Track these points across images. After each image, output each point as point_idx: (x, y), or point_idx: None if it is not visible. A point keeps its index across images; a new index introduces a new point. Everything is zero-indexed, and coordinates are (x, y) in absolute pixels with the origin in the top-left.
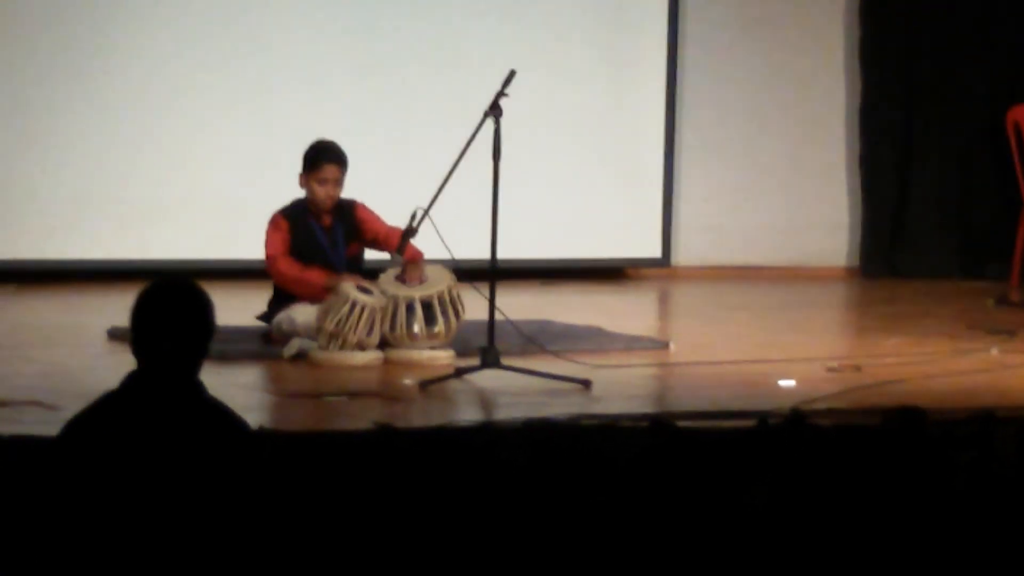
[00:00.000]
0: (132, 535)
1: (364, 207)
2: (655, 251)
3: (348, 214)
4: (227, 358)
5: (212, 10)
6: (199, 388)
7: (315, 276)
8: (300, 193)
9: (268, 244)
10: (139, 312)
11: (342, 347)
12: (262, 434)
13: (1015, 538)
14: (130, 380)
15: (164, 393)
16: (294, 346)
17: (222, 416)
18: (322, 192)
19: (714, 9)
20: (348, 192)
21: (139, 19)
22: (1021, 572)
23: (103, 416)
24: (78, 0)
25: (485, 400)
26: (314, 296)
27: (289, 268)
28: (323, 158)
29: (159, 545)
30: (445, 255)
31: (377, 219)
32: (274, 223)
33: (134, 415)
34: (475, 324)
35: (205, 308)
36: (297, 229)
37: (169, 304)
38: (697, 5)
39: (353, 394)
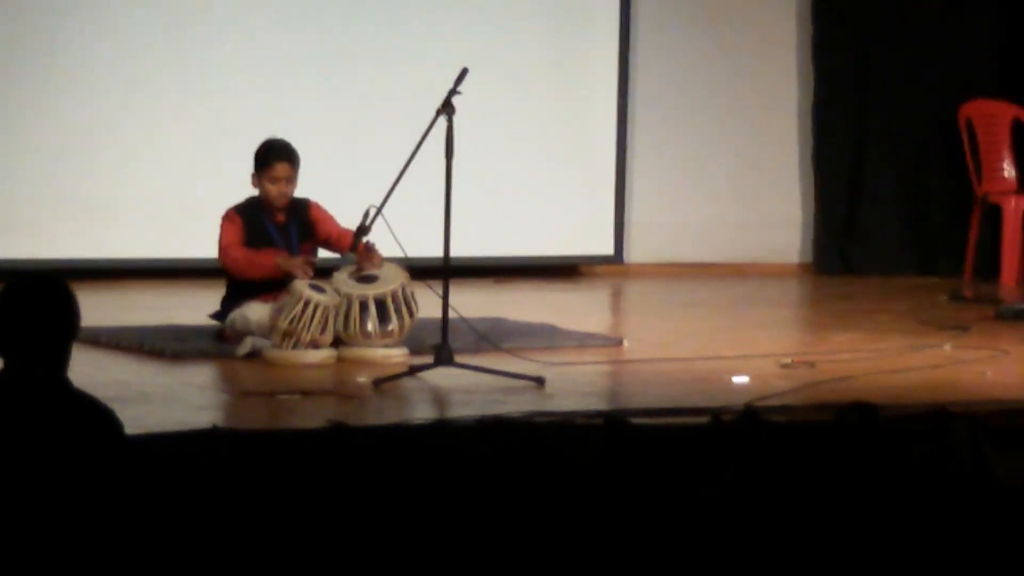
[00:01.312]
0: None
1: (318, 207)
2: (608, 248)
3: (302, 213)
4: (181, 357)
5: (165, 9)
6: (65, 383)
7: (267, 256)
8: (254, 192)
9: (222, 235)
10: (2, 309)
11: (296, 345)
12: (129, 437)
13: (968, 532)
14: None
15: (30, 389)
16: (247, 344)
17: (90, 410)
18: (274, 190)
19: (666, 7)
20: (301, 190)
21: (91, 18)
22: (975, 565)
23: None
24: (27, 1)
25: (439, 398)
26: (269, 274)
27: (242, 253)
28: (274, 156)
29: (30, 542)
30: (398, 253)
31: (331, 219)
32: (228, 217)
33: (2, 412)
34: (429, 322)
35: (68, 304)
36: (251, 225)
37: (33, 300)
38: (649, 4)
39: (307, 392)
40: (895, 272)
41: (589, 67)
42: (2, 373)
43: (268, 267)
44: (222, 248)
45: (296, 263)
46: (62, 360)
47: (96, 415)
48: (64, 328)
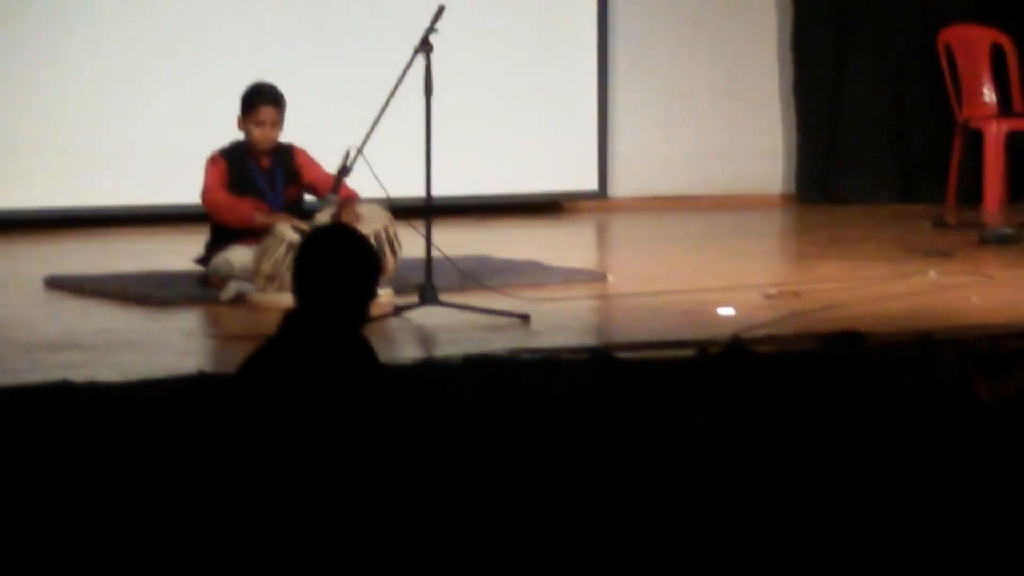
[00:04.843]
0: (302, 467)
1: (303, 152)
2: (592, 184)
3: (287, 157)
4: (166, 303)
5: None
6: (354, 328)
7: (247, 205)
8: (240, 137)
9: (205, 178)
10: (303, 257)
11: (279, 289)
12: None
13: (954, 459)
14: (289, 323)
15: (323, 333)
16: (232, 289)
17: (364, 355)
18: (259, 133)
19: None
20: (284, 133)
21: None
22: (964, 489)
23: (267, 356)
24: None
25: (425, 337)
26: (246, 225)
27: (224, 197)
28: (259, 100)
29: (325, 475)
30: (380, 194)
31: (316, 165)
32: (212, 160)
33: (296, 354)
34: (412, 262)
35: (365, 254)
36: (235, 169)
37: (331, 249)
38: None
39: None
40: (878, 200)
41: (568, 1)
42: (294, 315)
43: (245, 218)
44: (204, 189)
45: (275, 221)
46: (356, 310)
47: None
48: (361, 277)
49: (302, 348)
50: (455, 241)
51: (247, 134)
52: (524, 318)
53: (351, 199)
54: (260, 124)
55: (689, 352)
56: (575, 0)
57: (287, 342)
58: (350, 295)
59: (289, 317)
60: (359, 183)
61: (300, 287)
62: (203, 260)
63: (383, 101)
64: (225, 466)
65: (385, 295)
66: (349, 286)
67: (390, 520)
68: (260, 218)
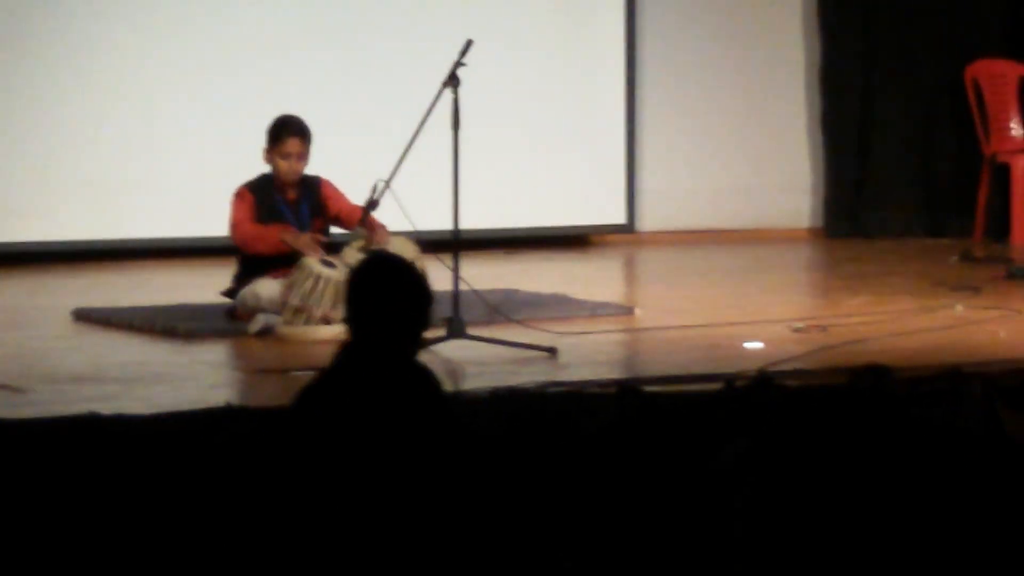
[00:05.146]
0: (360, 494)
1: (329, 184)
2: (619, 217)
3: (313, 190)
4: (194, 336)
5: None
6: (410, 357)
7: (273, 231)
8: (266, 170)
9: (233, 212)
10: (356, 288)
11: (307, 321)
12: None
13: (981, 493)
14: (344, 354)
15: (381, 362)
16: (259, 321)
17: (425, 384)
18: (285, 165)
19: None
20: (312, 165)
21: (105, 1)
22: (988, 527)
23: (324, 387)
24: None
25: (452, 370)
26: (274, 251)
27: (250, 228)
28: (285, 132)
29: (382, 503)
30: (408, 227)
31: (342, 196)
32: (239, 195)
33: (353, 385)
34: (440, 295)
35: (418, 283)
36: (262, 202)
37: (383, 279)
38: None
39: (320, 368)
40: (906, 234)
41: (596, 35)
42: (350, 347)
43: (273, 242)
44: (232, 224)
45: (303, 240)
46: (412, 337)
47: (431, 385)
48: (414, 307)
49: (361, 378)
50: (482, 274)
51: (273, 166)
52: (551, 351)
53: (379, 232)
54: (286, 156)
55: (716, 386)
56: (603, 35)
57: (345, 373)
58: (405, 324)
59: (344, 348)
60: (387, 216)
61: (354, 317)
62: (231, 293)
63: (411, 134)
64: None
65: None
66: (404, 315)
67: (441, 552)
68: (289, 239)
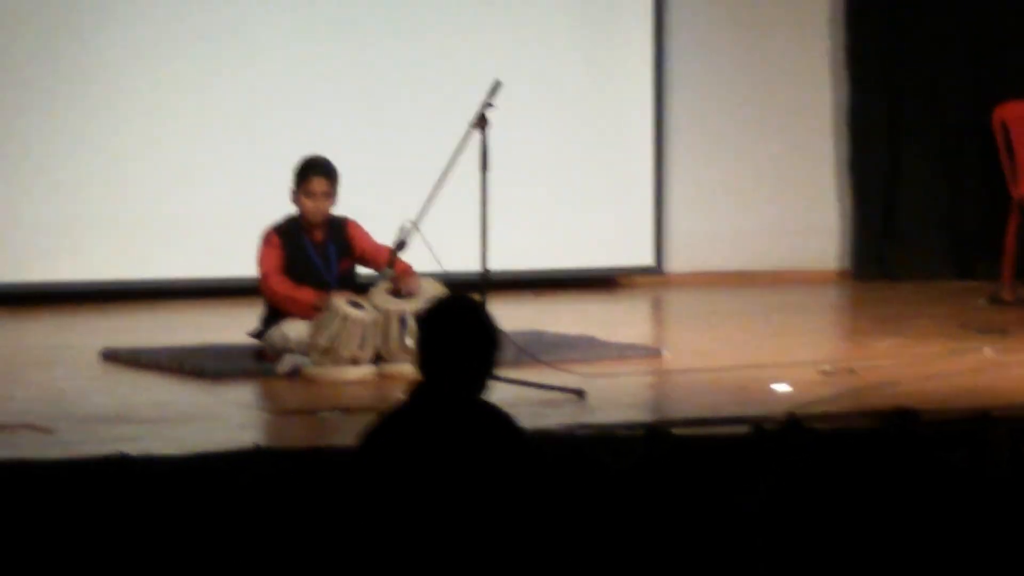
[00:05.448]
0: (429, 537)
1: (356, 224)
2: (647, 259)
3: (340, 230)
4: (221, 376)
5: (202, 29)
6: (482, 399)
7: (306, 295)
8: (294, 211)
9: (262, 261)
10: (428, 330)
11: (335, 362)
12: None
13: (1010, 537)
14: (416, 394)
15: (451, 404)
16: (287, 362)
17: (504, 423)
18: (311, 205)
19: (700, 17)
20: (339, 207)
21: (129, 40)
22: (1016, 571)
23: (394, 428)
24: (67, 22)
25: None
26: (303, 315)
27: (281, 286)
28: (311, 171)
29: (455, 546)
30: (436, 268)
31: (368, 236)
32: (267, 239)
33: (424, 427)
34: None
35: (489, 325)
36: (290, 245)
37: (455, 322)
38: (683, 14)
39: (347, 409)
40: (933, 277)
41: (624, 77)
42: (423, 388)
43: (305, 307)
44: (262, 276)
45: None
46: (482, 379)
47: (506, 429)
48: (485, 349)
49: (436, 418)
50: (510, 315)
51: (300, 206)
52: (579, 393)
53: (407, 273)
54: (312, 195)
55: (745, 428)
56: (631, 75)
57: (417, 413)
58: (477, 365)
59: (417, 388)
60: (415, 257)
61: (426, 359)
62: (258, 334)
63: (438, 175)
64: (338, 537)
65: None
66: (476, 357)
67: None
68: (320, 304)
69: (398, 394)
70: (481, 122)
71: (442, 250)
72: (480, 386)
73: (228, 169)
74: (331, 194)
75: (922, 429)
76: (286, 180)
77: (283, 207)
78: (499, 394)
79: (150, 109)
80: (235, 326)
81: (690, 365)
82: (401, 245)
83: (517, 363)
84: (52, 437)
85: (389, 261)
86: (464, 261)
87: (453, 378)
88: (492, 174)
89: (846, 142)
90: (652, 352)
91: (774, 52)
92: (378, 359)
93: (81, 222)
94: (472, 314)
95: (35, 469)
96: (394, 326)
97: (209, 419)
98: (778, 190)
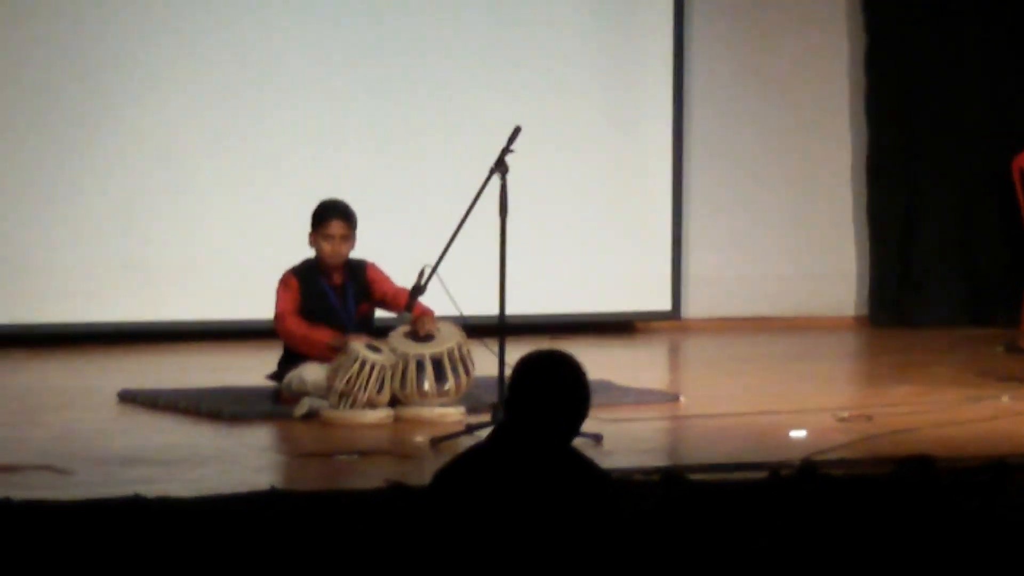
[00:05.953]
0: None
1: (374, 267)
2: (665, 304)
3: (358, 273)
4: (238, 419)
5: (223, 75)
6: (565, 444)
7: (321, 334)
8: (312, 254)
9: (278, 302)
10: (522, 378)
11: (352, 405)
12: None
13: None
14: (500, 433)
15: (538, 450)
16: (304, 405)
17: (587, 468)
18: (328, 248)
19: (719, 64)
20: (358, 250)
21: (150, 85)
22: None
23: (476, 468)
24: (88, 68)
25: None
26: (319, 355)
27: (296, 326)
28: (329, 214)
29: None
30: (454, 312)
31: (387, 279)
32: (284, 282)
33: (510, 469)
34: (485, 380)
35: (581, 380)
36: (307, 287)
37: (550, 374)
38: (701, 58)
39: (364, 452)
40: (951, 324)
41: (643, 123)
42: (506, 427)
43: (320, 347)
44: (277, 316)
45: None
46: (567, 429)
47: (591, 474)
48: (575, 404)
49: (522, 461)
50: None
51: (317, 249)
52: (596, 438)
53: (426, 316)
54: (329, 238)
55: (761, 474)
56: (650, 119)
57: (502, 454)
58: (565, 416)
59: (502, 428)
60: (433, 301)
61: (515, 405)
62: (276, 376)
63: (457, 219)
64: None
65: (457, 413)
66: (564, 408)
67: None
68: (336, 344)
69: (414, 437)
70: (501, 167)
71: (460, 294)
72: (567, 437)
73: (246, 212)
74: (349, 237)
75: (939, 476)
76: (305, 224)
77: (301, 250)
78: None
79: (167, 154)
80: (252, 368)
81: (707, 411)
82: (420, 289)
83: None
84: (69, 478)
85: (408, 305)
86: (483, 305)
87: (541, 425)
88: (511, 218)
89: (864, 189)
90: (669, 397)
91: (793, 99)
92: (395, 402)
93: (99, 265)
94: (569, 368)
95: (52, 510)
96: (412, 370)
97: (225, 461)
98: (796, 237)
